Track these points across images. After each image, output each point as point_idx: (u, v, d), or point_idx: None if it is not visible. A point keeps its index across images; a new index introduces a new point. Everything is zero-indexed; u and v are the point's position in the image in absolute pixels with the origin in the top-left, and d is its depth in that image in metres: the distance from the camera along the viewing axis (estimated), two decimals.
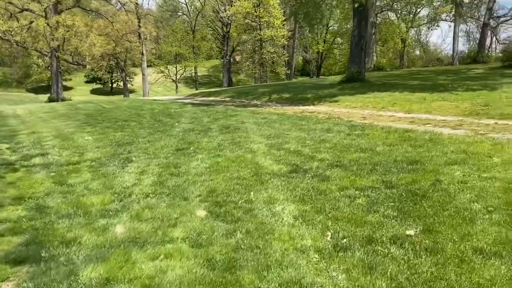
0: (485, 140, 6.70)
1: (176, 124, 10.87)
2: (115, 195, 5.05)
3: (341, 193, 4.67)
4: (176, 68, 58.07)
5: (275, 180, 5.29)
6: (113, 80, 65.63)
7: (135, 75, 61.15)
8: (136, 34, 45.65)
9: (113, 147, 8.10)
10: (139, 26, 45.28)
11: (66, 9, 39.41)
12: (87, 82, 67.99)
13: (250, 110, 13.44)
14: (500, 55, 21.48)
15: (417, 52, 71.65)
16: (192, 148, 7.63)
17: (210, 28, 63.46)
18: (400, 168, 5.43)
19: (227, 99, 19.12)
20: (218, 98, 19.85)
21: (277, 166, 6.00)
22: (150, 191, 5.16)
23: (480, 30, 43.18)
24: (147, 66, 58.35)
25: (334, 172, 5.51)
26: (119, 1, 43.63)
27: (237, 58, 69.13)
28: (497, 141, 6.54)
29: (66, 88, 61.41)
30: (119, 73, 59.77)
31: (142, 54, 48.59)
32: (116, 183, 5.56)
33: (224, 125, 10.07)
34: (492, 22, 41.74)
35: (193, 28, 62.93)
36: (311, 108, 13.56)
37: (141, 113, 13.80)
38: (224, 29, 58.92)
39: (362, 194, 4.58)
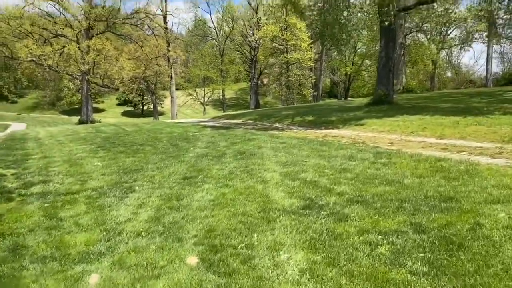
0: None
1: (191, 148, 10.37)
2: (104, 233, 4.50)
3: (361, 238, 3.94)
4: (204, 91, 58.60)
5: (285, 219, 4.60)
6: (143, 103, 66.87)
7: (165, 97, 62.02)
8: (165, 58, 46.38)
9: (120, 174, 7.63)
10: (168, 50, 46.06)
11: (97, 34, 40.56)
12: (118, 104, 69.70)
13: (270, 133, 12.85)
14: None
15: (449, 74, 69.70)
16: (200, 176, 7.06)
17: (238, 52, 64.14)
18: (431, 207, 4.65)
19: (250, 121, 18.63)
20: (240, 121, 19.40)
21: (289, 200, 5.32)
22: (142, 229, 4.58)
23: None
24: (176, 89, 59.30)
25: (354, 209, 4.77)
26: (148, 26, 44.57)
27: (265, 80, 69.25)
28: None
29: (99, 110, 63.09)
30: (149, 96, 60.75)
31: (171, 77, 49.35)
32: (109, 218, 5.02)
33: (239, 150, 9.49)
34: None
35: (221, 52, 63.75)
36: (334, 131, 12.83)
37: (159, 137, 13.44)
38: (252, 52, 59.34)
39: (385, 240, 3.84)
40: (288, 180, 6.40)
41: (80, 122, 39.75)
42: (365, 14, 15.06)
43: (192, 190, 6.14)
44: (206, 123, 19.30)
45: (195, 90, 57.65)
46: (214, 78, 58.19)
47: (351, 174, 6.50)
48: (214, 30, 63.57)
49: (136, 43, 42.31)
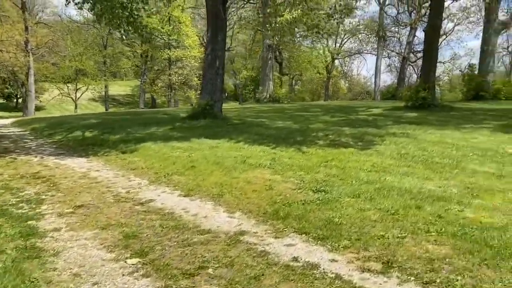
0: None
1: None
2: None
3: None
4: (76, 85, 50.69)
5: None
6: (17, 95, 56.47)
7: (44, 90, 52.79)
8: (22, 45, 38.90)
9: None
10: (26, 35, 38.73)
11: None
12: None
13: None
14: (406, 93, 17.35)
15: (346, 84, 69.52)
16: None
17: (127, 45, 57.16)
18: None
19: (23, 132, 13.15)
20: (16, 131, 13.78)
21: None
22: None
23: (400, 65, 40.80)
24: (43, 81, 50.91)
25: None
26: None
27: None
28: None
29: None
30: (19, 88, 51.11)
31: (29, 68, 41.67)
32: None
33: None
34: (412, 57, 39.29)
35: (105, 43, 56.22)
36: (72, 163, 7.96)
37: None
38: (143, 46, 52.89)
39: None
40: None
41: None
42: None
43: None
44: None
45: (65, 84, 49.64)
46: (90, 71, 50.51)
47: None
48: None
49: None
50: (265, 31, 20.92)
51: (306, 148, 8.11)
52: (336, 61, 53.80)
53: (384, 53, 45.50)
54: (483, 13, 25.43)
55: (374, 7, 72.93)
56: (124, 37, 34.06)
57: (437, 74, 48.36)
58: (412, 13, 37.23)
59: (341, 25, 48.67)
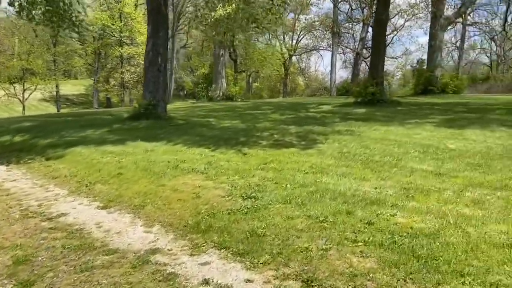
0: None
1: None
2: None
3: None
4: (23, 85, 47.96)
5: None
6: None
7: None
8: None
9: None
10: None
11: None
12: None
13: None
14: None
15: (305, 81, 69.91)
16: None
17: (79, 42, 54.68)
18: None
19: None
20: None
21: None
22: None
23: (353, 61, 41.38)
24: None
25: None
26: None
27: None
28: None
29: None
30: None
31: None
32: None
33: None
34: (365, 53, 39.90)
35: (54, 41, 53.55)
36: None
37: None
38: (96, 43, 50.70)
39: None
40: None
41: None
42: None
43: None
44: None
45: (11, 84, 46.82)
46: (37, 70, 47.90)
47: None
48: None
49: None
50: (201, 27, 20.27)
51: (247, 150, 7.71)
52: (294, 58, 53.99)
53: (339, 49, 46.05)
54: (430, 9, 26.00)
55: (328, 4, 73.79)
56: (57, 33, 32.13)
57: (391, 69, 49.11)
58: (365, 9, 37.78)
59: (297, 21, 49.04)
